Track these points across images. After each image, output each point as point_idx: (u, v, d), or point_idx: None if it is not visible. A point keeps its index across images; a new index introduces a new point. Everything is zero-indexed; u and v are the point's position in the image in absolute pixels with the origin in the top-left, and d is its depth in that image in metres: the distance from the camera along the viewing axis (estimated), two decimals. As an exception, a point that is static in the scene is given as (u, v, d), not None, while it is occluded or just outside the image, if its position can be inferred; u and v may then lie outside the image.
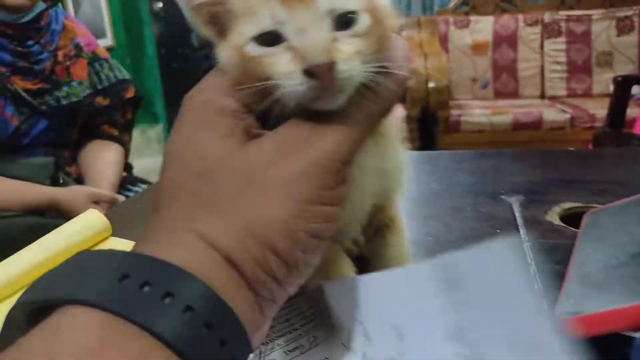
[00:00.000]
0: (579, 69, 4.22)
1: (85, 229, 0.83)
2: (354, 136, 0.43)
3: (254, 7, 0.45)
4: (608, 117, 3.08)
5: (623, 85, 3.02)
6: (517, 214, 0.90)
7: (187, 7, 0.49)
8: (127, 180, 2.01)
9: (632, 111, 3.20)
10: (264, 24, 0.44)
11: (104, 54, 1.98)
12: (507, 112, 3.94)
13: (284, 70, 0.43)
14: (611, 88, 4.05)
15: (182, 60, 5.02)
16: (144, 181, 2.07)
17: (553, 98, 4.22)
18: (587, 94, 4.21)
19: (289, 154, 0.42)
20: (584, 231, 0.76)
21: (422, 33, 4.29)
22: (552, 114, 3.88)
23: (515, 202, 0.95)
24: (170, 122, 5.00)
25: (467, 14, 4.37)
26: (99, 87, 1.92)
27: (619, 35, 4.15)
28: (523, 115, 3.88)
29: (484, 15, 4.30)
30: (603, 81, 4.18)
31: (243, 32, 0.46)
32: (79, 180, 1.88)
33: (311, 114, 0.43)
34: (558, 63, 4.24)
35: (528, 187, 1.04)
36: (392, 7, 0.50)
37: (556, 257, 0.75)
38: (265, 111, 0.45)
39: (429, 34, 4.28)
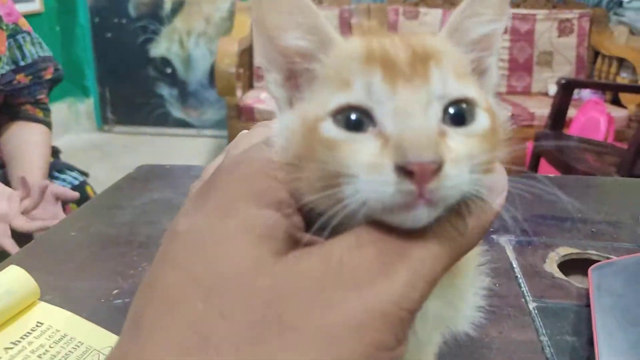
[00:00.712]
0: (520, 67, 4.30)
1: (6, 294, 0.64)
2: (429, 275, 0.33)
3: (347, 72, 0.35)
4: (550, 118, 3.13)
5: (566, 88, 3.08)
6: (514, 262, 0.85)
7: (265, 47, 0.39)
8: (54, 166, 1.79)
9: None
10: (354, 97, 0.34)
11: (27, 26, 1.73)
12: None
13: (368, 161, 0.33)
14: (549, 88, 4.17)
15: (117, 30, 4.64)
16: (72, 168, 1.86)
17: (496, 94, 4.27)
18: (526, 92, 4.31)
19: (340, 289, 0.31)
20: (596, 296, 0.70)
21: (371, 20, 4.21)
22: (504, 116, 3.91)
23: (507, 245, 0.90)
24: (102, 97, 4.72)
25: (417, 5, 4.32)
26: (22, 63, 1.68)
27: (559, 36, 4.25)
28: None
29: (434, 7, 4.27)
30: (542, 80, 4.28)
31: (323, 102, 0.36)
32: (2, 166, 1.67)
33: (377, 230, 0.33)
34: (501, 60, 4.29)
35: (516, 222, 0.98)
36: (506, 122, 0.39)
37: (567, 325, 0.70)
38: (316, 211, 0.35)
39: (378, 22, 4.21)
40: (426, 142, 0.32)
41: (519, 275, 0.81)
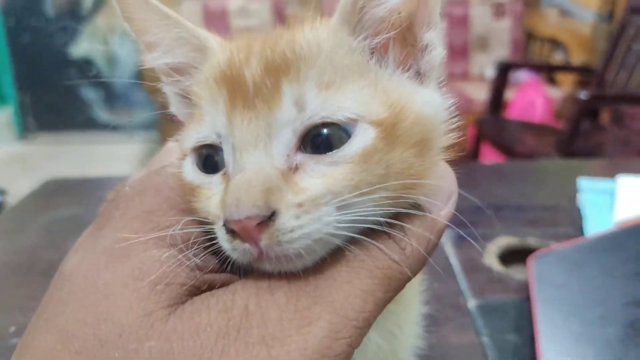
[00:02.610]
0: (457, 52, 4.33)
1: None
2: (358, 318, 0.27)
3: (202, 100, 0.31)
4: (489, 101, 3.15)
5: (503, 70, 3.10)
6: (452, 259, 0.80)
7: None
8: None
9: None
10: (204, 132, 0.30)
11: None
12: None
13: (213, 213, 0.29)
14: (486, 70, 4.22)
15: (35, 32, 4.36)
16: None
17: (435, 81, 4.30)
18: (465, 77, 4.35)
19: (244, 347, 0.26)
20: (536, 289, 0.66)
21: (307, 10, 4.11)
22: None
23: (445, 240, 0.85)
24: (22, 104, 4.42)
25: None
26: None
27: (494, 20, 4.30)
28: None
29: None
30: (479, 65, 4.33)
31: (187, 136, 0.32)
32: None
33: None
34: (438, 46, 4.30)
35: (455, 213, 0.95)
36: (448, 110, 0.33)
37: (508, 322, 0.66)
38: None
39: (312, 12, 4.12)
40: (245, 191, 0.26)
41: (457, 273, 0.76)
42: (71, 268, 0.30)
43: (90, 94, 4.52)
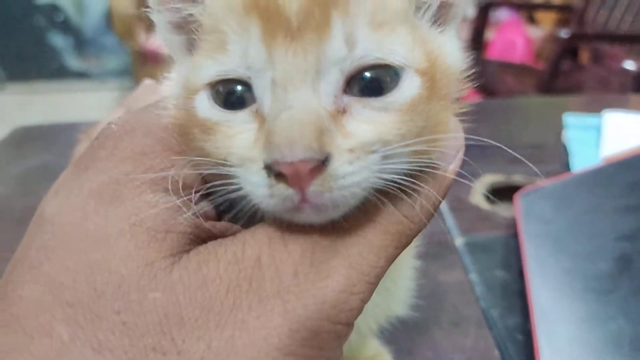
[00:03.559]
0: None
1: None
2: (371, 273, 0.26)
3: (224, 28, 0.26)
4: (469, 40, 3.11)
5: (483, 9, 3.05)
6: (439, 197, 0.79)
7: None
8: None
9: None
10: (229, 65, 0.26)
11: None
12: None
13: (241, 154, 0.25)
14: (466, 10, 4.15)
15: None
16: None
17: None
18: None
19: (257, 301, 0.24)
20: (524, 225, 0.65)
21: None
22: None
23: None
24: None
25: None
26: None
27: (474, -43, 4.19)
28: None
29: None
30: (460, 4, 4.25)
31: (200, 66, 0.27)
32: None
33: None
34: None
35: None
36: (465, 61, 0.31)
37: (496, 259, 0.65)
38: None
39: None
40: (299, 131, 0.23)
41: (444, 211, 0.75)
42: (53, 211, 0.26)
43: (59, 41, 4.32)
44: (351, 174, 0.24)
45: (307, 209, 0.24)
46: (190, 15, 0.29)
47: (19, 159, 0.90)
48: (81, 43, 4.41)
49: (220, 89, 0.26)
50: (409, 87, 0.26)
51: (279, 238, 0.26)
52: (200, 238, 0.27)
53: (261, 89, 0.25)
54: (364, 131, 0.25)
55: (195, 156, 0.27)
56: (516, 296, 0.58)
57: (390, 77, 0.26)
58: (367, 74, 0.26)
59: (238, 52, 0.26)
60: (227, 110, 0.26)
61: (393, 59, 0.26)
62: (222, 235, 0.27)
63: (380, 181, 0.26)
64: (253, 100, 0.26)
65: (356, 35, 0.25)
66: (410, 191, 0.27)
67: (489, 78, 2.78)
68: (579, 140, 0.91)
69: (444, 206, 0.77)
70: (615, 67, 2.65)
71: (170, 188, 0.27)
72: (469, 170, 0.89)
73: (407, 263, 0.42)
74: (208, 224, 0.27)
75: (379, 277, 0.27)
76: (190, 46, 0.30)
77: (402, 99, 0.26)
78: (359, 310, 0.26)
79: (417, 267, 0.47)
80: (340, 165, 0.24)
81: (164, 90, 0.31)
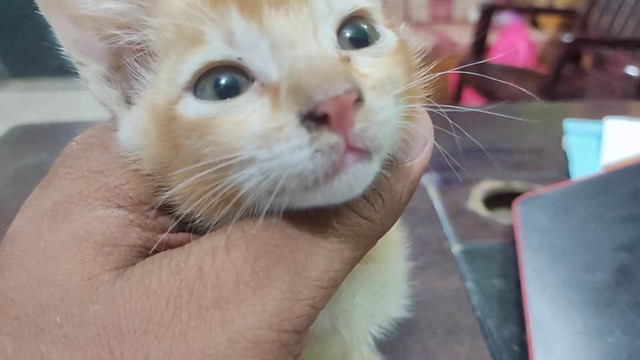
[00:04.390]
0: (440, -6, 4.23)
1: None
2: (322, 279, 0.26)
3: (193, 24, 0.26)
4: (472, 44, 3.11)
5: (487, 12, 3.04)
6: (436, 203, 0.78)
7: (67, 29, 0.29)
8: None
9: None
10: (213, 53, 0.25)
11: None
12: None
13: (261, 129, 0.24)
14: (470, 13, 4.15)
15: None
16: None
17: (418, 25, 4.22)
18: (448, 19, 4.27)
19: (197, 312, 0.24)
20: (522, 233, 0.65)
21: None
22: (417, 41, 3.87)
23: (429, 184, 0.83)
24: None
25: None
26: None
27: (477, -40, 4.19)
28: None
29: None
30: (463, 6, 4.24)
31: (171, 76, 0.26)
32: None
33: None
34: (422, -12, 4.19)
35: (437, 157, 0.92)
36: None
37: (493, 267, 0.64)
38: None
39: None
40: (331, 69, 0.23)
41: (441, 217, 0.75)
42: (14, 229, 0.27)
43: (62, 38, 4.29)
44: (384, 107, 0.24)
45: (351, 161, 0.23)
46: (132, 45, 0.28)
47: (16, 157, 0.89)
48: (84, 40, 4.35)
49: (208, 81, 0.26)
50: (389, 36, 0.29)
51: (222, 247, 0.25)
52: (154, 250, 0.26)
53: (260, 61, 0.25)
54: (374, 72, 0.26)
55: (187, 171, 0.26)
56: (513, 306, 0.57)
57: (371, 29, 0.28)
58: (350, 29, 0.28)
59: (219, 38, 0.25)
60: (223, 100, 0.25)
61: (364, 5, 0.28)
62: (182, 245, 0.27)
63: (396, 127, 0.26)
64: (247, 83, 0.25)
65: None
66: (371, 188, 0.27)
67: (490, 82, 2.77)
68: (579, 146, 0.90)
69: (441, 212, 0.76)
70: (617, 73, 2.64)
71: (123, 204, 0.27)
72: (467, 176, 0.89)
73: (397, 265, 0.42)
74: (164, 236, 0.27)
75: (335, 281, 0.26)
76: (129, 98, 0.29)
77: (389, 44, 0.28)
78: (310, 317, 0.25)
79: (409, 268, 0.47)
80: (372, 99, 0.24)
81: (116, 147, 0.29)
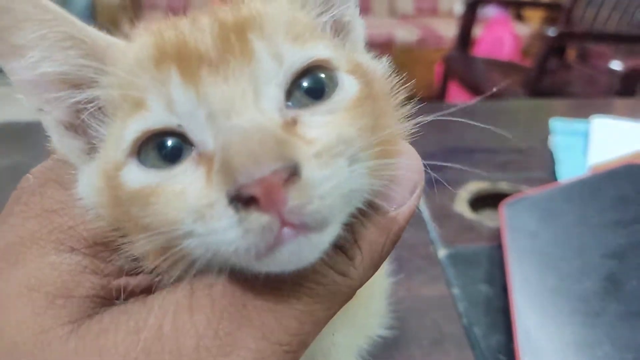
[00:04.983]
0: (426, -14, 4.21)
1: None
2: (291, 341, 0.24)
3: (137, 87, 0.24)
4: (457, 37, 3.10)
5: (472, 5, 3.03)
6: (423, 207, 0.76)
7: (22, 81, 0.26)
8: None
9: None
10: (153, 119, 0.24)
11: None
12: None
13: (194, 204, 0.22)
14: (455, 6, 4.14)
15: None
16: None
17: (403, 18, 4.19)
18: (434, 12, 4.26)
19: None
20: (509, 238, 0.63)
21: None
22: (403, 34, 3.85)
23: (415, 184, 0.82)
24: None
25: None
26: None
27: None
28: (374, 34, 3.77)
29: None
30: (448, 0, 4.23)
31: (117, 139, 0.25)
32: None
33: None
34: (407, -20, 4.17)
35: (425, 157, 0.91)
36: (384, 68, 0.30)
37: (480, 272, 0.63)
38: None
39: None
40: (259, 145, 0.21)
41: (427, 220, 0.73)
42: None
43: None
44: (327, 178, 0.22)
45: (290, 235, 0.22)
46: (85, 102, 0.27)
47: (-13, 159, 0.86)
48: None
49: (150, 147, 0.24)
50: (348, 85, 0.26)
51: (186, 306, 0.23)
52: (109, 299, 0.25)
53: (197, 129, 0.23)
54: (322, 134, 0.24)
55: (138, 237, 0.24)
56: (500, 313, 0.56)
57: (328, 78, 0.26)
58: (305, 81, 0.25)
59: (160, 104, 0.24)
60: (164, 168, 0.24)
61: (320, 55, 0.26)
62: (143, 290, 0.25)
63: (358, 187, 0.24)
64: (189, 149, 0.24)
65: (280, 50, 0.25)
66: (348, 243, 0.25)
67: (475, 75, 2.77)
68: (565, 146, 0.89)
69: (426, 215, 0.74)
70: (601, 67, 2.65)
71: (77, 246, 0.25)
72: (453, 177, 0.87)
73: (379, 283, 0.40)
74: (122, 281, 0.25)
75: (304, 344, 0.24)
76: (90, 150, 0.27)
77: (347, 97, 0.25)
78: None
79: (394, 280, 0.46)
80: (312, 171, 0.22)
81: (72, 184, 0.27)
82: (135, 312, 0.23)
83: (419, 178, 0.27)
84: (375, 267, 0.26)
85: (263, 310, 0.23)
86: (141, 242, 0.24)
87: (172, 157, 0.24)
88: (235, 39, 0.24)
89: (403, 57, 3.86)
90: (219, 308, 0.23)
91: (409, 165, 0.26)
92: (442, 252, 0.67)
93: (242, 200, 0.21)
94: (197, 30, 0.25)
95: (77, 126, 0.27)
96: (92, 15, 4.02)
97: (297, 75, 0.25)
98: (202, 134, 0.23)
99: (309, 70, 0.25)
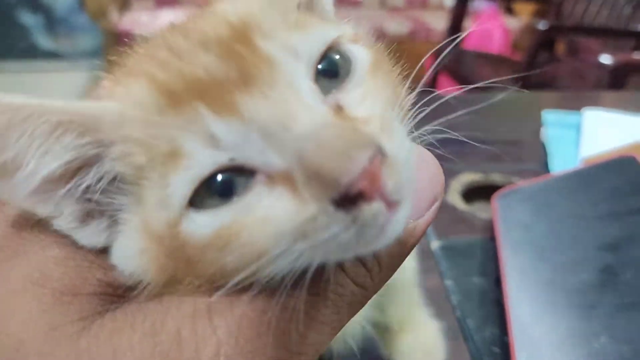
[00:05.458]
0: (416, -22, 4.20)
1: None
2: (307, 355, 0.24)
3: (159, 140, 0.22)
4: (448, 30, 3.10)
5: (462, -1, 3.03)
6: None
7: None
8: None
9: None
10: (203, 164, 0.22)
11: None
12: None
13: (294, 224, 0.21)
14: (445, -1, 4.13)
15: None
16: None
17: (393, 10, 4.18)
18: (424, 5, 4.25)
19: None
20: (502, 230, 0.63)
21: None
22: (393, 26, 3.84)
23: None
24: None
25: None
26: None
27: (453, -55, 4.16)
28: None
29: None
30: (438, -8, 4.23)
31: (158, 200, 0.23)
32: None
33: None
34: (397, -28, 4.15)
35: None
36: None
37: (473, 264, 0.63)
38: None
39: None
40: (341, 142, 0.20)
41: (420, 211, 0.72)
42: None
43: (28, 20, 4.14)
44: (401, 146, 0.22)
45: (392, 213, 0.22)
46: (97, 180, 0.24)
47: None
48: (52, 22, 4.22)
49: (201, 192, 0.23)
50: (360, 54, 0.26)
51: (204, 310, 0.22)
52: (118, 295, 0.23)
53: (255, 154, 0.22)
54: (368, 109, 0.24)
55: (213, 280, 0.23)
56: (493, 305, 0.56)
57: (340, 55, 0.26)
58: (325, 60, 0.25)
59: (200, 147, 0.22)
60: (229, 201, 0.23)
61: (328, 36, 0.25)
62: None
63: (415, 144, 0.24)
64: (248, 176, 0.23)
65: (290, 42, 0.24)
66: (367, 255, 0.25)
67: (465, 68, 2.77)
68: (558, 138, 0.89)
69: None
70: (590, 60, 2.66)
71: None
72: (445, 168, 0.86)
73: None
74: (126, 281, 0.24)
75: (319, 351, 0.24)
76: (87, 215, 0.25)
77: (365, 65, 0.26)
78: None
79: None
80: (389, 144, 0.21)
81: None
82: (151, 312, 0.22)
83: (440, 190, 0.26)
84: (388, 278, 0.26)
85: (283, 320, 0.23)
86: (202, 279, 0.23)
87: (227, 192, 0.23)
88: (245, 50, 0.23)
89: (393, 50, 3.85)
90: (238, 314, 0.22)
91: (430, 175, 0.26)
92: (435, 244, 0.66)
93: (351, 199, 0.20)
94: (195, 57, 0.23)
95: (92, 212, 0.25)
96: (80, 2, 3.94)
97: (316, 60, 0.25)
98: (264, 157, 0.22)
99: (324, 54, 0.25)
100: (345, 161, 0.20)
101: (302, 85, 0.23)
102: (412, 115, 0.26)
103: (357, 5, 4.33)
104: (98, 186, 0.24)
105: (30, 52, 4.18)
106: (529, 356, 0.45)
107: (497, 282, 0.58)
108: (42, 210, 0.24)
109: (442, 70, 2.96)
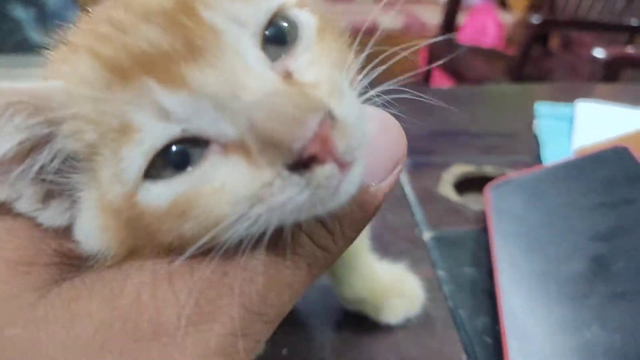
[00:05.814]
0: (410, -28, 4.20)
1: None
2: (269, 311, 0.24)
3: (106, 116, 0.22)
4: (442, 24, 3.09)
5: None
6: (407, 188, 0.75)
7: None
8: None
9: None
10: (153, 137, 0.22)
11: None
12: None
13: (250, 190, 0.22)
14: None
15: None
16: None
17: (387, 4, 4.18)
18: (417, -1, 4.25)
19: (131, 344, 0.21)
20: (494, 221, 0.63)
21: None
22: (387, 21, 3.84)
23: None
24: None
25: None
26: None
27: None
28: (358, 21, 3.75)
29: None
30: (432, -14, 4.22)
31: (114, 173, 0.23)
32: None
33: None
34: (391, -34, 4.15)
35: (410, 140, 0.89)
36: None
37: (465, 255, 0.62)
38: None
39: None
40: (290, 108, 0.21)
41: (412, 203, 0.72)
42: None
43: (20, 13, 4.10)
44: (350, 108, 0.23)
45: (344, 174, 0.22)
46: (50, 159, 0.24)
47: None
48: (45, 16, 4.18)
49: (156, 161, 0.23)
50: (306, 19, 0.26)
51: (165, 275, 0.22)
52: (76, 265, 0.23)
53: (207, 125, 0.22)
54: (317, 74, 0.24)
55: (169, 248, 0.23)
56: (485, 295, 0.56)
57: (286, 21, 0.26)
58: (269, 32, 0.25)
59: (151, 120, 0.22)
60: (184, 171, 0.23)
61: (273, 2, 0.25)
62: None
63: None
64: (202, 146, 0.23)
65: (235, 12, 0.24)
66: (328, 218, 0.25)
67: (459, 62, 2.77)
68: (550, 130, 0.89)
69: (411, 197, 0.73)
70: (584, 54, 2.67)
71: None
72: (438, 160, 0.87)
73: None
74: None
75: (282, 314, 0.24)
76: (47, 196, 0.25)
77: (312, 30, 0.26)
78: (254, 350, 0.23)
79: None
80: (338, 107, 0.22)
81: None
82: (110, 278, 0.22)
83: (402, 154, 0.26)
84: (351, 241, 0.26)
85: (244, 280, 0.23)
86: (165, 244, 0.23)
87: (182, 164, 0.23)
88: (189, 21, 0.23)
89: (386, 44, 3.85)
90: (200, 277, 0.22)
91: (392, 139, 0.26)
92: (427, 235, 0.66)
93: (304, 163, 0.21)
94: (138, 30, 0.23)
95: (52, 192, 0.25)
96: (73, 0, 3.91)
97: (262, 26, 0.25)
98: (215, 127, 0.22)
99: (270, 20, 0.25)
100: (295, 127, 0.20)
101: (248, 53, 0.23)
102: (363, 77, 0.26)
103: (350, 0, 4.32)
104: (52, 165, 0.24)
105: (23, 47, 4.13)
106: (520, 346, 0.45)
107: (489, 272, 0.58)
108: (3, 193, 0.24)
109: (436, 63, 2.96)
